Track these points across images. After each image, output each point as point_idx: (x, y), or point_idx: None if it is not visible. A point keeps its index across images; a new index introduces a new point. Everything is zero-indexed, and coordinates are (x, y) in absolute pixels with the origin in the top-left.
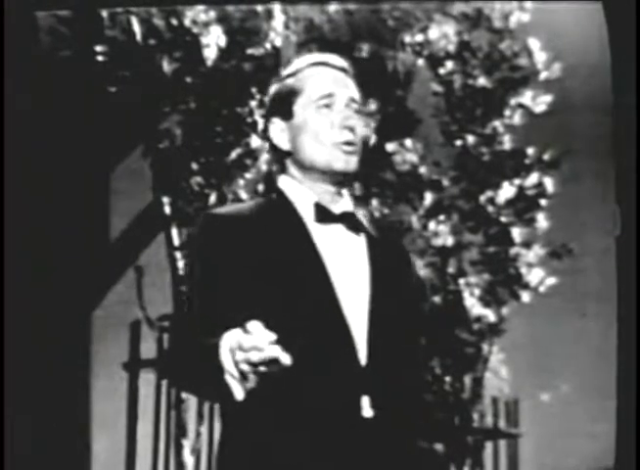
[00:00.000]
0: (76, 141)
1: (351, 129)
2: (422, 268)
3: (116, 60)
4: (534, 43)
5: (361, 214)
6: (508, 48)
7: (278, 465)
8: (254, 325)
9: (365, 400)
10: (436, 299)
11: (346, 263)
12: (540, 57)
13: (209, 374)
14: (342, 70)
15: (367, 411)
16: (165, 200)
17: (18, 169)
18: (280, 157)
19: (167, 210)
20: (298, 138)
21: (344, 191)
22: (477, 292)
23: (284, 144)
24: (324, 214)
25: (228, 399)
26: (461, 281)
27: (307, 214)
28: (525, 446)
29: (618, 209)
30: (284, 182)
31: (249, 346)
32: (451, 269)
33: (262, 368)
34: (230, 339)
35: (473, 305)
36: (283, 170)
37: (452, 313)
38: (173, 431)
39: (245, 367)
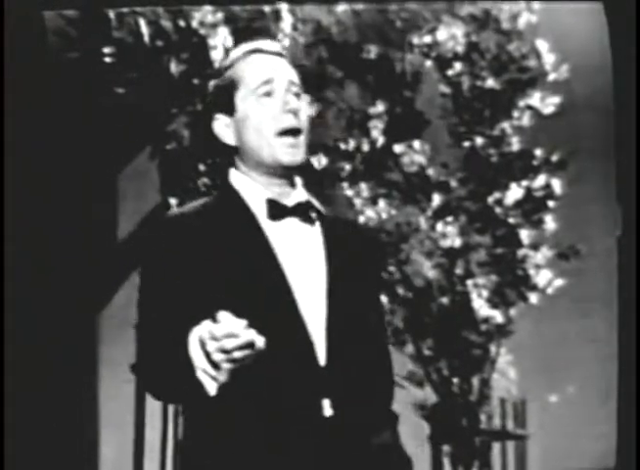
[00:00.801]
0: (84, 142)
1: (295, 113)
2: (429, 269)
3: (124, 61)
4: (542, 45)
5: (317, 204)
6: (516, 49)
7: (239, 466)
8: (224, 314)
9: (326, 402)
10: (444, 300)
11: (302, 259)
12: (548, 58)
13: (179, 375)
14: (278, 54)
15: (327, 411)
16: (173, 201)
17: (24, 170)
18: (228, 153)
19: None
20: (242, 133)
21: (298, 180)
22: (484, 293)
23: (230, 140)
24: (277, 210)
25: (200, 397)
26: (469, 282)
27: (260, 211)
28: (532, 448)
29: (620, 209)
30: (235, 177)
31: (222, 333)
32: (459, 271)
33: (237, 354)
34: (199, 331)
35: (480, 306)
36: (232, 165)
37: (460, 315)
38: (181, 432)
39: (218, 357)
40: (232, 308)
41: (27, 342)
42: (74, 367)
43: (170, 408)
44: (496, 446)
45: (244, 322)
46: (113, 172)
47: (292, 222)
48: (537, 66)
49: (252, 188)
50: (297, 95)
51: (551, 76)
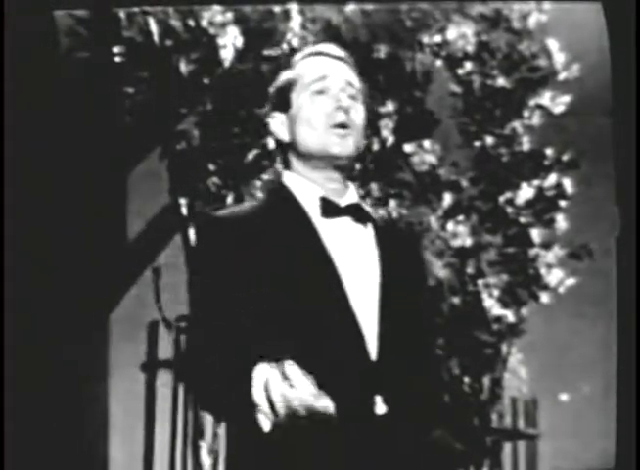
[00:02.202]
0: (93, 142)
1: (346, 110)
2: (440, 269)
3: (134, 61)
4: (553, 44)
5: (368, 205)
6: (526, 49)
7: (290, 463)
8: (292, 370)
9: (378, 398)
10: (455, 299)
11: (354, 257)
12: (559, 57)
13: (236, 402)
14: (339, 58)
15: (380, 408)
16: (183, 201)
17: (35, 170)
18: (283, 150)
19: (185, 211)
20: (294, 127)
21: (350, 183)
22: (495, 293)
23: (284, 136)
24: (330, 208)
25: (253, 427)
26: (480, 282)
27: (313, 209)
28: (543, 447)
29: (618, 209)
30: (288, 178)
31: (293, 396)
32: (470, 270)
33: (302, 412)
34: (266, 378)
35: (492, 305)
36: (287, 166)
37: (471, 314)
38: (191, 432)
39: (281, 407)
40: (285, 306)
41: (37, 342)
42: (85, 367)
43: (180, 407)
44: (507, 446)
45: (313, 388)
46: (122, 172)
47: (345, 221)
48: (548, 65)
49: (306, 186)
50: (353, 97)
51: (561, 76)
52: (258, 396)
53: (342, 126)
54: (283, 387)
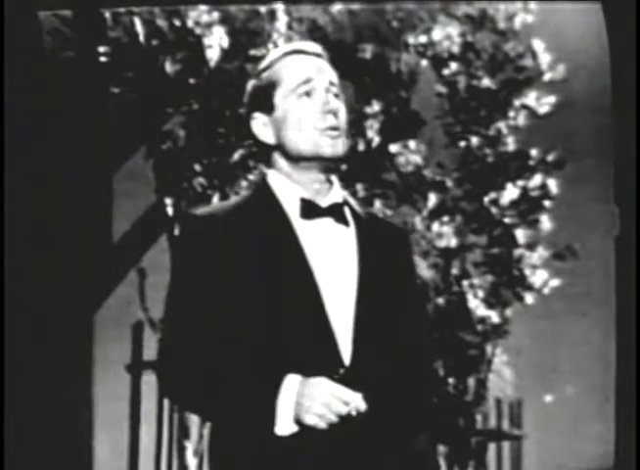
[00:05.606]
0: (79, 142)
1: (334, 113)
2: (425, 270)
3: (119, 61)
4: (538, 44)
5: (354, 204)
6: (512, 49)
7: (267, 463)
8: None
9: None
10: (440, 300)
11: (333, 259)
12: (544, 58)
13: (254, 410)
14: (317, 55)
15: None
16: (168, 201)
17: (20, 170)
18: (266, 152)
19: (170, 211)
20: (283, 131)
21: (334, 179)
22: (480, 293)
23: (269, 138)
24: (310, 209)
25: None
26: (465, 283)
27: (293, 210)
28: (528, 448)
29: (617, 209)
30: (272, 177)
31: (335, 401)
32: (455, 271)
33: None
34: (302, 388)
35: (476, 306)
36: (270, 165)
37: (456, 315)
38: (176, 433)
39: (316, 417)
40: (258, 307)
41: (22, 342)
42: (69, 367)
43: (166, 408)
44: (492, 447)
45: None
46: (108, 172)
47: (326, 222)
48: (533, 65)
49: (288, 187)
50: (337, 96)
51: (547, 76)
52: (286, 403)
53: (334, 129)
54: (332, 386)
